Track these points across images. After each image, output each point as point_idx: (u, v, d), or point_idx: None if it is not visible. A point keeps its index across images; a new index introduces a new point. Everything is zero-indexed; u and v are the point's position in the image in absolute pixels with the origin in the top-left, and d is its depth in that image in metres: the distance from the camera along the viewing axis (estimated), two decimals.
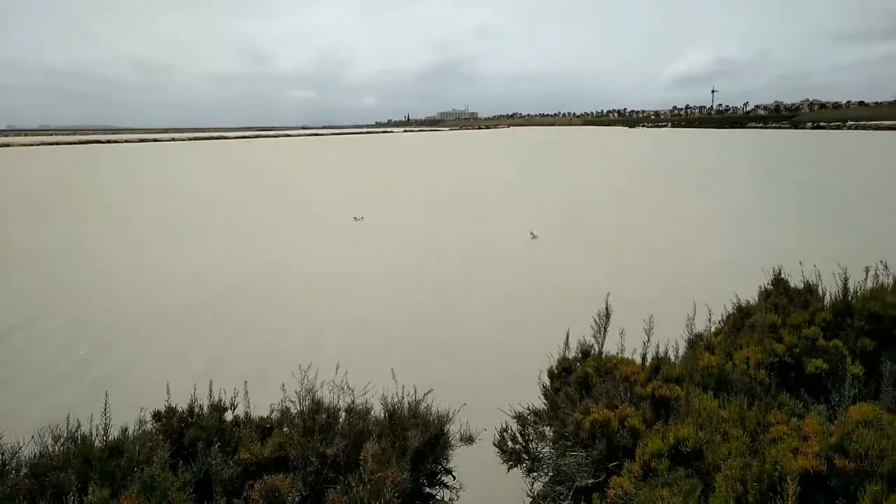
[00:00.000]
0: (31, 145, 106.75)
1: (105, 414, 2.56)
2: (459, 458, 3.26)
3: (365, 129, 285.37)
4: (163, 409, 2.98)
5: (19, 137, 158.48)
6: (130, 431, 2.78)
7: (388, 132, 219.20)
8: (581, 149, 75.24)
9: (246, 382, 3.07)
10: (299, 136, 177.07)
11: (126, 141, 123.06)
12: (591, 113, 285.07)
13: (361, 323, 9.92)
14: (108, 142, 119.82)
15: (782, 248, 13.57)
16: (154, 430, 2.83)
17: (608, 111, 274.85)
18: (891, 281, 4.27)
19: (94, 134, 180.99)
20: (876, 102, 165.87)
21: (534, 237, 16.96)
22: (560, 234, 17.72)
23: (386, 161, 61.16)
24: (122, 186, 36.11)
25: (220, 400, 3.08)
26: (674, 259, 13.98)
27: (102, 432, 2.57)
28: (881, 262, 4.21)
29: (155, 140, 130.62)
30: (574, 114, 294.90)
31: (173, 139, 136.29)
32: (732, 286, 5.11)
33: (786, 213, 20.43)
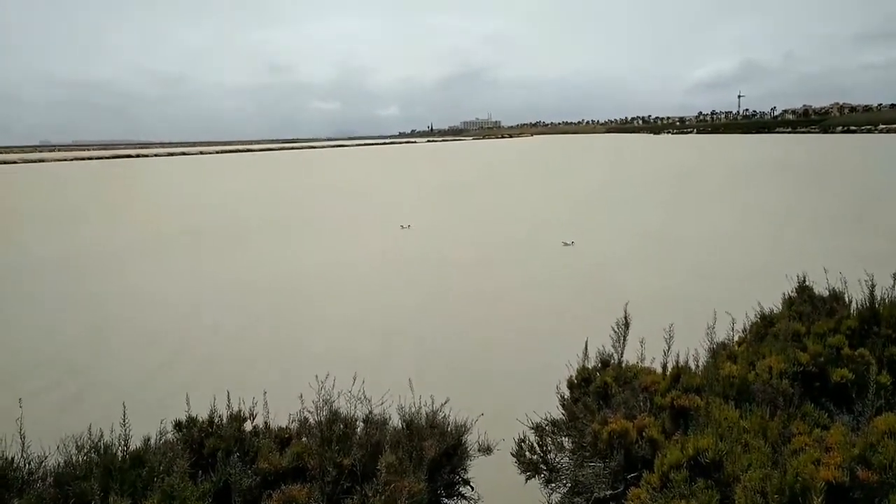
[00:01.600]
0: (65, 160, 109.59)
1: (124, 424, 2.61)
2: (477, 469, 3.25)
3: (389, 140, 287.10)
4: (184, 419, 3.03)
5: (53, 153, 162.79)
6: (152, 441, 2.83)
7: (412, 142, 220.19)
8: (611, 156, 74.70)
9: (265, 392, 3.11)
10: (324, 147, 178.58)
11: (156, 155, 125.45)
12: (615, 120, 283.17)
13: (387, 331, 9.97)
14: (139, 156, 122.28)
15: (810, 254, 13.30)
16: (175, 440, 2.89)
17: (632, 118, 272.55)
18: None
19: (124, 148, 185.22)
20: None
21: (566, 245, 16.80)
22: (595, 241, 17.57)
23: (422, 169, 61.47)
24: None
25: (240, 410, 3.12)
26: (702, 264, 13.79)
27: (123, 442, 2.61)
28: None
29: (183, 154, 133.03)
30: (598, 121, 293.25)
31: (201, 153, 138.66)
32: (760, 293, 5.03)
33: (825, 218, 20.02)
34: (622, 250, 16.07)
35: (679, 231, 18.86)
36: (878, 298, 3.77)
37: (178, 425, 3.03)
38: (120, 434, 2.61)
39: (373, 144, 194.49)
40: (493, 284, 12.95)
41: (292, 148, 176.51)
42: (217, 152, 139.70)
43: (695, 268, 13.61)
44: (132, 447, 2.73)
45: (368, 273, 14.52)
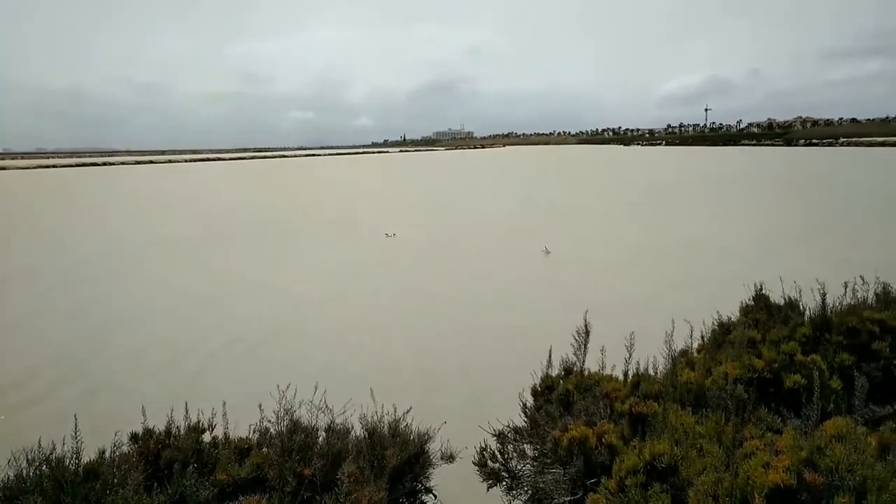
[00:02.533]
0: (28, 168, 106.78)
1: (76, 437, 2.55)
2: (440, 477, 3.25)
3: (362, 150, 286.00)
4: (140, 430, 2.98)
5: (16, 161, 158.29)
6: (107, 454, 2.77)
7: (385, 152, 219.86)
8: (584, 166, 75.57)
9: (224, 403, 3.07)
10: (297, 156, 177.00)
11: (122, 163, 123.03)
12: (587, 132, 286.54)
13: (351, 340, 9.91)
14: (105, 164, 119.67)
15: (774, 261, 13.62)
16: (130, 452, 2.83)
17: (603, 129, 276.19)
18: (871, 296, 4.31)
19: (90, 157, 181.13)
20: (868, 119, 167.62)
21: (547, 253, 16.95)
22: (575, 249, 17.70)
23: (401, 178, 61.34)
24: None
25: (199, 421, 3.08)
26: (670, 272, 14.01)
27: (75, 455, 2.56)
28: (860, 276, 4.25)
29: (151, 162, 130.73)
30: (569, 132, 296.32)
31: (170, 161, 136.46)
32: (723, 301, 5.13)
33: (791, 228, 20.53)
34: (593, 258, 16.25)
35: (646, 240, 19.16)
36: (830, 306, 3.88)
37: (133, 437, 2.97)
38: (72, 447, 2.55)
39: (344, 154, 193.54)
40: (463, 292, 12.98)
41: (264, 157, 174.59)
42: (187, 161, 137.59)
43: (661, 276, 13.83)
44: (86, 460, 2.67)
45: (339, 282, 14.43)
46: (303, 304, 12.40)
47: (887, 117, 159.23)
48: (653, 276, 13.91)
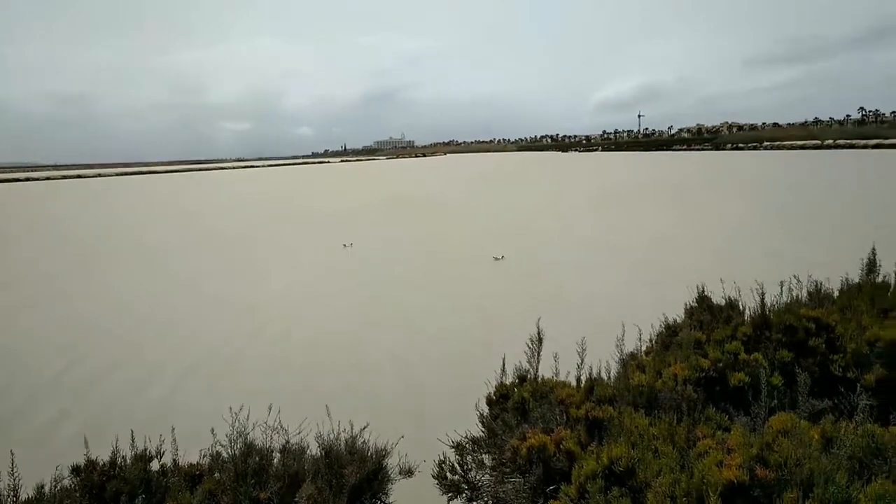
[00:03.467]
0: None
1: (13, 473, 2.39)
2: (400, 492, 3.21)
3: (301, 160, 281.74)
4: (83, 462, 2.81)
5: None
6: (46, 489, 2.61)
7: (325, 162, 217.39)
8: (522, 172, 76.58)
9: (173, 429, 2.94)
10: (235, 168, 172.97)
11: (47, 178, 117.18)
12: (525, 139, 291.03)
13: (306, 357, 9.70)
14: (28, 179, 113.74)
15: (723, 261, 14.14)
16: (72, 486, 2.67)
17: (541, 136, 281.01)
18: (804, 294, 4.53)
19: (11, 171, 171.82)
20: (789, 123, 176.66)
21: (498, 259, 17.00)
22: (526, 253, 17.84)
23: (344, 188, 60.56)
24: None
25: (146, 449, 2.94)
26: (617, 274, 14.34)
27: (13, 493, 2.39)
28: (794, 276, 4.46)
29: (79, 176, 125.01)
30: (509, 140, 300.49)
31: (99, 174, 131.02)
32: (667, 303, 5.29)
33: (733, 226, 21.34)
34: (545, 264, 16.47)
35: (601, 243, 19.56)
36: (769, 305, 4.05)
37: (75, 470, 2.80)
38: (9, 484, 2.38)
39: (287, 165, 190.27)
40: (417, 300, 12.93)
41: (199, 169, 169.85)
42: (118, 174, 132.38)
43: (610, 279, 14.15)
44: (24, 497, 2.51)
45: (288, 296, 14.13)
46: (248, 320, 12.08)
47: (806, 121, 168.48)
48: (606, 277, 14.22)
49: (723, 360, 3.54)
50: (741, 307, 4.39)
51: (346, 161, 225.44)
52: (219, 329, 11.36)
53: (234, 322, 11.86)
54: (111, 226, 31.84)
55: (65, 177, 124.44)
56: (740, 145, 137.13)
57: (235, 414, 2.83)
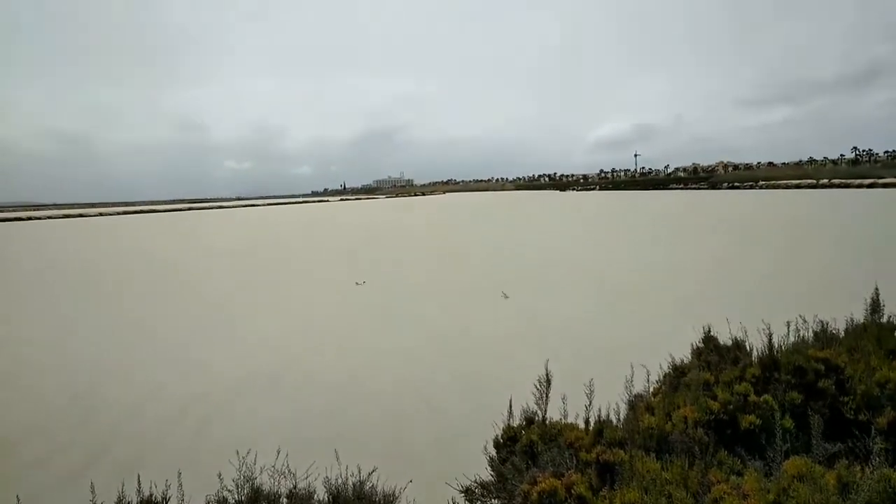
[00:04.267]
0: None
1: None
2: None
3: (301, 199, 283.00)
4: None
5: None
6: None
7: (325, 201, 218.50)
8: (527, 210, 76.89)
9: (180, 473, 2.90)
10: (235, 207, 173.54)
11: (49, 217, 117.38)
12: (524, 178, 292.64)
13: (313, 398, 9.58)
14: (30, 219, 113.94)
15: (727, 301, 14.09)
16: None
17: (539, 175, 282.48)
18: (810, 334, 4.52)
19: (11, 211, 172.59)
20: (783, 163, 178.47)
21: (506, 297, 16.91)
22: (533, 294, 17.77)
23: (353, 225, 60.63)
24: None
25: (151, 494, 2.89)
26: (624, 315, 14.27)
27: None
28: (800, 316, 4.46)
29: (81, 216, 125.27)
30: (507, 179, 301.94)
31: (101, 213, 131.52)
32: (674, 343, 5.27)
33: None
34: (553, 304, 16.41)
35: (608, 282, 19.53)
36: (776, 346, 4.04)
37: None
38: None
39: (287, 203, 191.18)
40: (427, 338, 12.85)
41: (200, 208, 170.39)
42: (119, 213, 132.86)
43: (616, 319, 14.09)
44: None
45: (300, 335, 14.04)
46: (256, 357, 11.98)
47: (800, 161, 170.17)
48: (616, 318, 14.16)
49: (732, 401, 3.52)
50: (748, 347, 4.38)
51: (346, 199, 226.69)
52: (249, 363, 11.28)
53: (258, 357, 11.77)
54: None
55: (66, 216, 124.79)
56: (736, 184, 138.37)
57: (242, 458, 2.79)
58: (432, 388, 9.86)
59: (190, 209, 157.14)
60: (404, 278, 21.85)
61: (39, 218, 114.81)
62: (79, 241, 51.83)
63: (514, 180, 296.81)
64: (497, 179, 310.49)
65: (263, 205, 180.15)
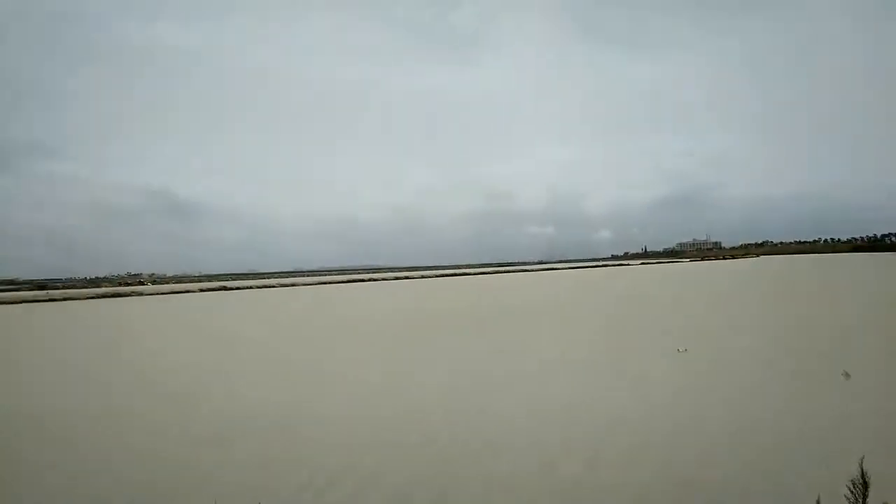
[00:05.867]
0: (312, 284, 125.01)
1: None
2: None
3: (602, 262, 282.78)
4: None
5: (305, 278, 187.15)
6: None
7: (625, 265, 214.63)
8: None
9: None
10: (537, 270, 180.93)
11: (383, 279, 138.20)
12: (862, 238, 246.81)
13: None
14: (371, 280, 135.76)
15: None
16: None
17: (883, 235, 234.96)
18: None
19: (359, 273, 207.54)
20: None
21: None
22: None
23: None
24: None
25: None
26: None
27: None
28: None
29: (407, 277, 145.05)
30: (839, 239, 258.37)
31: (423, 276, 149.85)
32: None
33: None
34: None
35: None
36: None
37: None
38: None
39: (588, 267, 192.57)
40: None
41: (505, 271, 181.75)
42: (438, 276, 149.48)
43: None
44: None
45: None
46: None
47: None
48: None
49: None
50: None
51: (647, 263, 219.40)
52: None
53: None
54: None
55: (396, 277, 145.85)
56: None
57: None
58: None
59: (496, 272, 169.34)
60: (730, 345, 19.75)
61: (385, 279, 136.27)
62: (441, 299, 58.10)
63: (848, 241, 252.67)
64: (826, 240, 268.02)
65: (564, 268, 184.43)
